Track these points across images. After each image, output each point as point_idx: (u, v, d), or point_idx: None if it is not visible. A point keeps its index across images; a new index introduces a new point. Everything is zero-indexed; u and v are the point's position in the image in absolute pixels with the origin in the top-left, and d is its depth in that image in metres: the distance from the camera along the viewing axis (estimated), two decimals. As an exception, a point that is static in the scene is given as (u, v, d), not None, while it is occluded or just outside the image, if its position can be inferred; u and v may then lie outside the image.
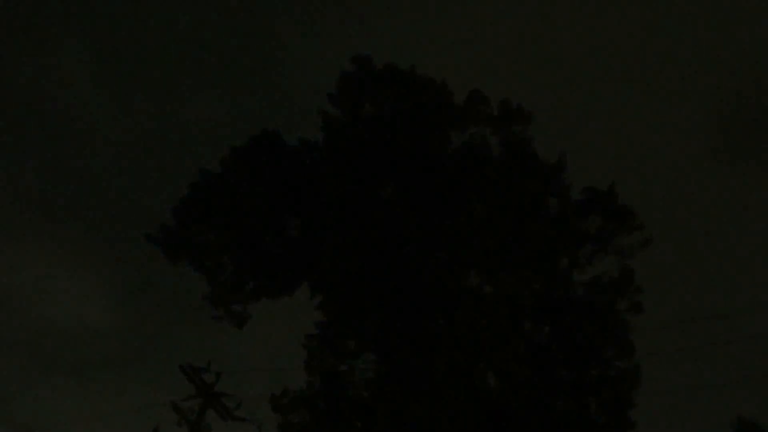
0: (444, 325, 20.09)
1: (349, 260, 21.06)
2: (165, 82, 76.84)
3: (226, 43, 78.53)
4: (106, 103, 76.55)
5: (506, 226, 20.93)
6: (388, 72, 22.49)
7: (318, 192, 21.85)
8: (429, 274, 20.53)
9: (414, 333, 20.20)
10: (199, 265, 22.64)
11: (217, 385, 25.90)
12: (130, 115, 76.08)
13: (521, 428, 19.55)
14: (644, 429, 20.98)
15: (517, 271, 20.93)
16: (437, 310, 20.41)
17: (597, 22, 74.81)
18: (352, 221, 21.35)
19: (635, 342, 21.57)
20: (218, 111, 77.52)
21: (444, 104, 22.16)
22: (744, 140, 72.87)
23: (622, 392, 20.90)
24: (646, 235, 21.88)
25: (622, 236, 21.97)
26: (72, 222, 72.44)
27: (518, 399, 19.57)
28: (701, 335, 23.68)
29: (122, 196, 73.64)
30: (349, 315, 21.24)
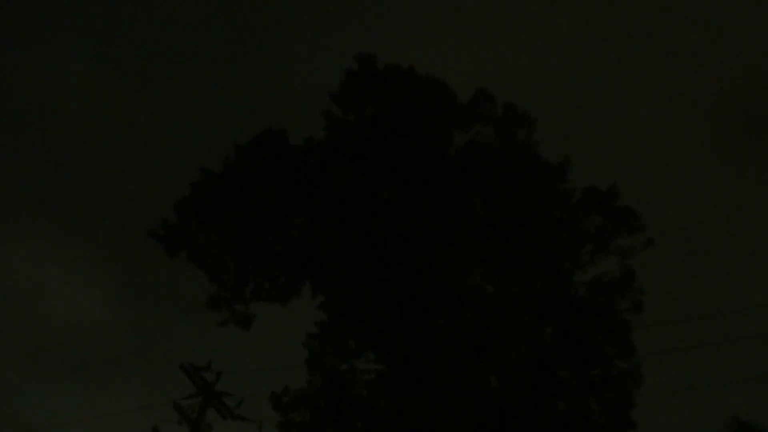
0: (445, 325, 20.09)
1: (352, 259, 21.06)
2: (165, 82, 76.81)
3: (227, 41, 78.50)
4: (106, 103, 76.53)
5: (508, 226, 20.93)
6: (391, 71, 22.42)
7: (321, 191, 21.82)
8: (431, 274, 20.52)
9: (415, 332, 20.20)
10: (200, 262, 22.63)
11: (218, 384, 25.91)
12: (130, 115, 76.07)
13: (523, 428, 19.56)
14: (644, 428, 21.02)
15: (518, 271, 20.94)
16: (439, 310, 20.41)
17: (598, 21, 74.84)
18: (355, 220, 21.34)
19: (635, 342, 21.63)
20: (218, 110, 77.54)
21: (447, 103, 22.11)
22: (745, 139, 72.96)
23: (623, 392, 20.92)
24: (648, 235, 21.95)
25: (624, 236, 22.02)
26: (72, 221, 72.39)
27: (520, 399, 19.58)
28: (700, 335, 23.75)
29: (122, 195, 73.65)
30: (350, 314, 21.22)
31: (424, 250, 20.69)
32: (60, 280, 70.01)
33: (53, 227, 71.18)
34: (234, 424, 25.77)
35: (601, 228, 22.25)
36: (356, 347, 21.52)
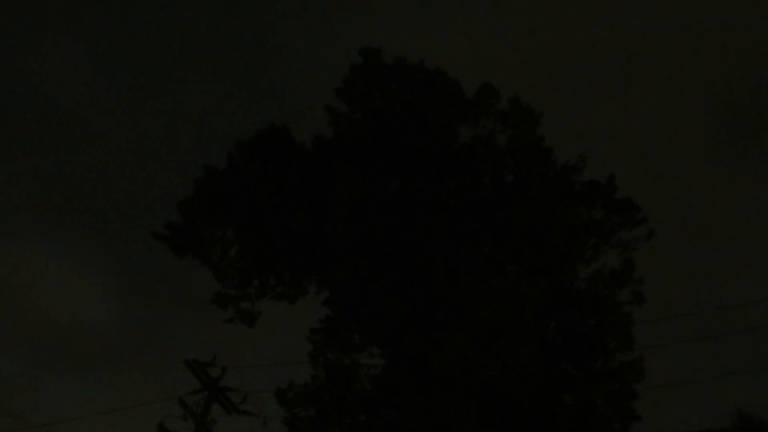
0: (450, 320, 20.13)
1: (357, 254, 21.08)
2: (164, 78, 76.70)
3: (225, 36, 78.32)
4: (104, 101, 76.46)
5: (514, 222, 20.95)
6: (397, 65, 22.36)
7: (325, 187, 21.82)
8: (435, 269, 20.56)
9: (420, 327, 20.24)
10: (205, 260, 22.66)
11: (222, 380, 25.96)
12: (128, 112, 76.01)
13: (528, 422, 19.63)
14: (649, 421, 21.09)
15: (523, 266, 20.97)
16: (443, 305, 20.44)
17: (599, 20, 74.69)
18: (360, 215, 21.35)
19: (638, 335, 21.70)
20: (217, 105, 77.44)
21: (454, 97, 22.05)
22: (746, 135, 72.95)
23: (626, 385, 20.98)
24: (650, 227, 22.03)
25: (626, 229, 22.07)
26: (72, 217, 72.43)
27: (524, 393, 19.62)
28: (704, 327, 23.79)
29: (122, 191, 73.66)
30: (355, 308, 21.24)
31: (429, 245, 20.71)
32: (61, 276, 70.11)
33: (53, 223, 71.29)
34: (239, 419, 25.86)
35: (603, 221, 22.31)
36: (360, 342, 21.54)
